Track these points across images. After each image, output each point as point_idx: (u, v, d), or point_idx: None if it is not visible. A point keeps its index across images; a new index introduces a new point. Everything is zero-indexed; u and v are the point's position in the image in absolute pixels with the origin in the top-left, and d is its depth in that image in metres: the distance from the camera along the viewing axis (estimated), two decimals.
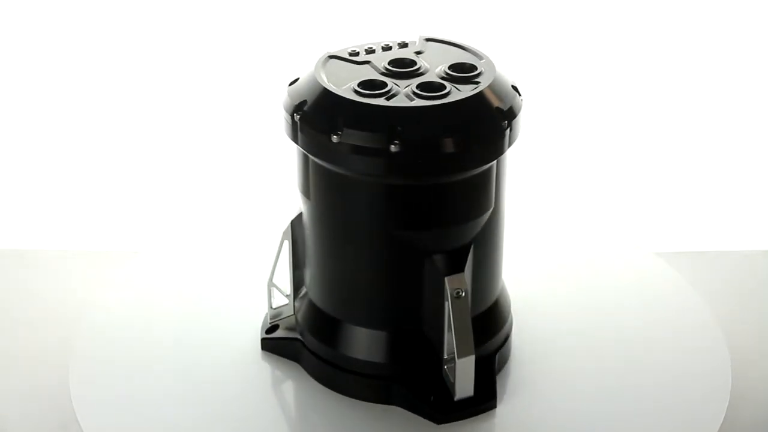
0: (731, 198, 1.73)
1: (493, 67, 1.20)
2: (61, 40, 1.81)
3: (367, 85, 1.17)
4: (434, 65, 1.20)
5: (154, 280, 1.42)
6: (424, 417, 1.21)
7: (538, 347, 1.31)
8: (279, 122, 1.20)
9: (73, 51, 1.81)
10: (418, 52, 1.23)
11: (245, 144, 1.79)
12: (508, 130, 1.16)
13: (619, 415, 1.23)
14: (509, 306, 1.29)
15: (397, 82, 1.18)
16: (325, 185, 1.18)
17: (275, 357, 1.29)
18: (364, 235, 1.19)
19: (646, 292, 1.41)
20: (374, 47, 1.24)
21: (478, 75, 1.19)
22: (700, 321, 1.36)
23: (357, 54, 1.23)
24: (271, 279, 1.29)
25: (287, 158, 1.23)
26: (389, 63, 1.20)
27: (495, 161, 1.17)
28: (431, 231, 1.17)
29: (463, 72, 1.19)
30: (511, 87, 1.19)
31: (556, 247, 1.49)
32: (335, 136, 1.13)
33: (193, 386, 1.26)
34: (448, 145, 1.13)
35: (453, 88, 1.17)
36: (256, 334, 1.32)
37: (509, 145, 1.18)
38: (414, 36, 1.26)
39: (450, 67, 1.19)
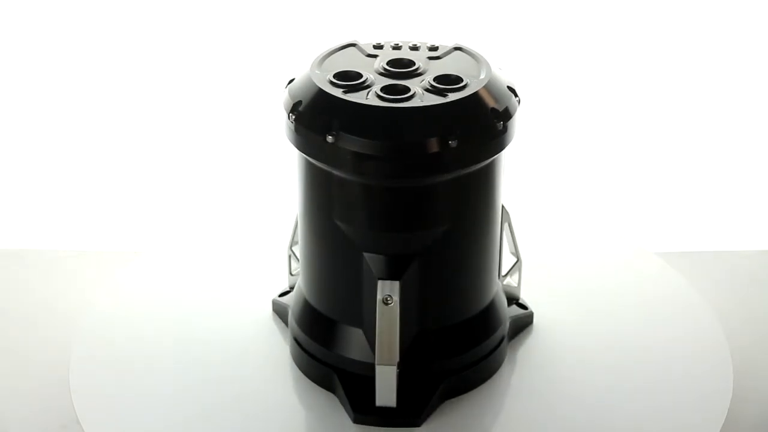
0: (731, 198, 1.73)
1: (479, 85, 1.17)
2: (61, 39, 1.81)
3: (342, 76, 1.18)
4: (433, 72, 1.19)
5: (155, 281, 1.42)
6: (345, 410, 1.22)
7: (536, 347, 1.31)
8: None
9: (73, 51, 1.81)
10: (435, 57, 1.22)
11: (247, 143, 1.79)
12: (457, 151, 1.13)
13: (619, 415, 1.23)
14: (490, 332, 1.26)
15: (382, 80, 1.18)
16: (297, 164, 1.21)
17: (277, 359, 1.29)
18: (317, 217, 1.20)
19: (647, 292, 1.41)
20: (402, 44, 1.24)
21: (457, 90, 1.16)
22: (701, 321, 1.36)
23: (381, 47, 1.24)
24: (290, 246, 1.32)
25: (290, 156, 1.23)
26: (389, 61, 1.21)
27: (445, 178, 1.15)
28: (365, 230, 1.17)
29: (447, 84, 1.17)
30: (489, 109, 1.16)
31: (555, 247, 1.48)
32: (293, 115, 1.16)
33: (194, 387, 1.26)
34: (375, 149, 1.13)
35: (420, 95, 1.15)
36: (259, 335, 1.32)
37: (467, 167, 1.15)
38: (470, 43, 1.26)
39: (437, 77, 1.18)
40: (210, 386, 1.26)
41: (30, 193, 1.74)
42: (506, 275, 1.33)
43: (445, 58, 1.22)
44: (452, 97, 1.15)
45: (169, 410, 1.23)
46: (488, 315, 1.26)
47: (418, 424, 1.21)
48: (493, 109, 1.16)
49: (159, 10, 1.82)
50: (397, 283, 1.16)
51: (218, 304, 1.38)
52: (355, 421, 1.21)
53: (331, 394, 1.24)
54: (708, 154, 1.78)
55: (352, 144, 1.13)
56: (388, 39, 1.25)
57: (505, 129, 1.16)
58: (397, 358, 1.17)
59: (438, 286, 1.21)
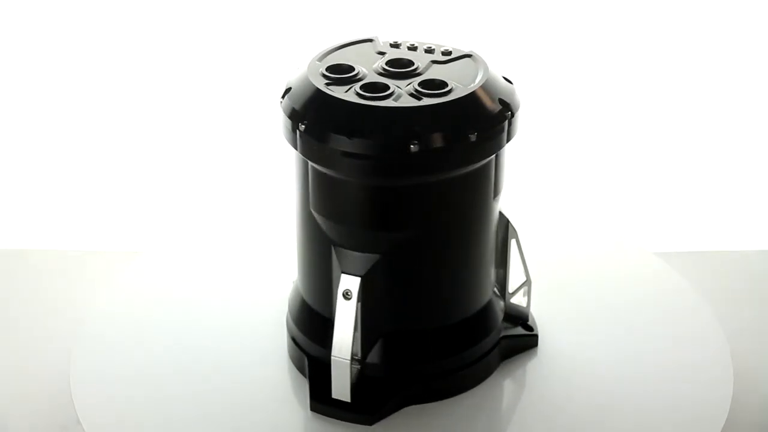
0: (731, 198, 1.73)
1: (460, 93, 1.14)
2: (61, 39, 1.81)
3: (335, 69, 1.18)
4: (428, 76, 1.18)
5: (156, 281, 1.42)
6: (309, 396, 1.22)
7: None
8: None
9: (73, 51, 1.81)
10: (439, 62, 1.20)
11: (248, 143, 1.79)
12: (420, 156, 1.11)
13: (619, 415, 1.23)
14: (465, 345, 1.23)
15: (373, 78, 1.18)
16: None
17: (277, 355, 1.29)
18: (300, 206, 1.21)
19: (646, 292, 1.41)
20: (418, 45, 1.23)
21: (436, 96, 1.14)
22: (701, 321, 1.36)
23: (397, 46, 1.23)
24: None
25: (290, 155, 1.23)
26: (389, 61, 1.20)
27: (407, 182, 1.14)
28: (333, 223, 1.17)
29: (430, 88, 1.16)
30: (462, 118, 1.13)
31: (555, 247, 1.48)
32: (281, 101, 1.18)
33: (194, 387, 1.26)
34: (338, 143, 1.12)
35: (397, 97, 1.14)
36: (260, 336, 1.32)
37: (431, 173, 1.13)
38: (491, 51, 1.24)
39: (422, 82, 1.17)
40: (210, 386, 1.26)
41: (31, 193, 1.74)
42: (513, 294, 1.30)
43: (449, 64, 1.20)
44: (426, 101, 1.14)
45: (169, 411, 1.23)
46: (467, 327, 1.23)
47: (369, 423, 1.19)
48: (469, 119, 1.13)
49: (161, 9, 1.82)
50: (358, 279, 1.16)
51: (218, 303, 1.38)
52: (311, 408, 1.21)
53: None
54: (708, 153, 1.78)
55: (318, 135, 1.13)
56: (406, 39, 1.24)
57: (480, 140, 1.13)
58: (352, 353, 1.17)
59: (405, 289, 1.19)
